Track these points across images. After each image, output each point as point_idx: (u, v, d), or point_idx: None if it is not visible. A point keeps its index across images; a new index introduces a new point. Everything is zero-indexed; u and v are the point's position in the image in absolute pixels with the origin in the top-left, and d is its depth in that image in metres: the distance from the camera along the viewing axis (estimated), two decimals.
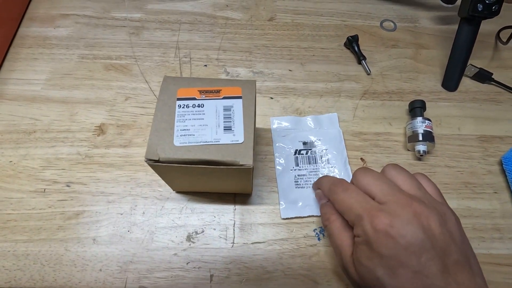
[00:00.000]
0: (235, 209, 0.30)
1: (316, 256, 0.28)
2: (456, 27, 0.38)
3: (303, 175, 0.32)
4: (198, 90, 0.24)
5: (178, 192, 0.31)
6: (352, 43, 0.40)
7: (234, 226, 0.30)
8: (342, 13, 0.44)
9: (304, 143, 0.33)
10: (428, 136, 0.32)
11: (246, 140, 0.22)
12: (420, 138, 0.32)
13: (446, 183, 0.32)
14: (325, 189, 0.25)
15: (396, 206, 0.19)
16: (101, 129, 0.34)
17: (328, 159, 0.32)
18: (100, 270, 0.27)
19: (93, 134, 0.34)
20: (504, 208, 0.31)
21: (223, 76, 0.38)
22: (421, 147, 0.32)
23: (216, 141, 0.22)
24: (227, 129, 0.23)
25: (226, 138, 0.22)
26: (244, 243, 0.29)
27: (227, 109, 0.23)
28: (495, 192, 0.32)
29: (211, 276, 0.27)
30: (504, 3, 0.45)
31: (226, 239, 0.29)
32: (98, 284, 0.27)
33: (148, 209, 0.30)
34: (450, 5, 0.43)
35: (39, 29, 0.41)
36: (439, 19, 0.44)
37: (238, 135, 0.23)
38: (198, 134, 0.22)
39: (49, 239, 0.28)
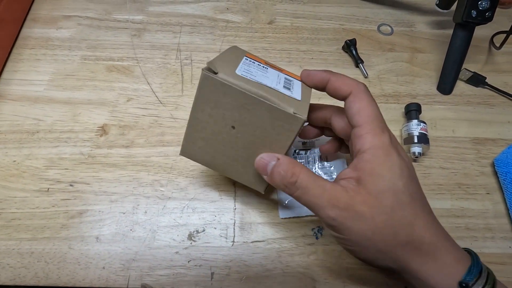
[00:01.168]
0: (235, 209, 0.31)
1: (314, 254, 0.29)
2: (451, 32, 0.39)
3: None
4: (265, 61, 0.25)
5: (185, 156, 0.25)
6: (350, 46, 0.41)
7: (234, 225, 0.30)
8: (340, 17, 0.45)
9: (304, 143, 0.34)
10: (423, 139, 0.33)
11: (303, 99, 0.22)
12: (415, 140, 0.33)
13: (440, 184, 0.33)
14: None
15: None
16: (103, 130, 0.35)
17: (326, 160, 0.33)
18: (103, 268, 0.28)
19: (95, 135, 0.34)
20: (496, 208, 0.32)
21: None
22: (416, 149, 0.33)
23: (275, 88, 0.22)
24: (286, 87, 0.22)
25: (284, 91, 0.22)
26: (244, 242, 0.30)
27: (287, 79, 0.24)
28: (488, 193, 0.33)
29: (212, 273, 0.28)
30: (497, 9, 0.46)
31: (226, 238, 0.30)
32: (101, 281, 0.27)
33: (150, 208, 0.31)
34: (445, 11, 0.44)
35: (42, 31, 0.41)
36: (434, 24, 0.45)
37: (296, 95, 0.22)
38: (260, 79, 0.22)
39: (53, 237, 0.29)
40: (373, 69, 0.41)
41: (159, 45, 0.41)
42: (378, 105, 0.37)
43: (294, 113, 0.20)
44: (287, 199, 0.31)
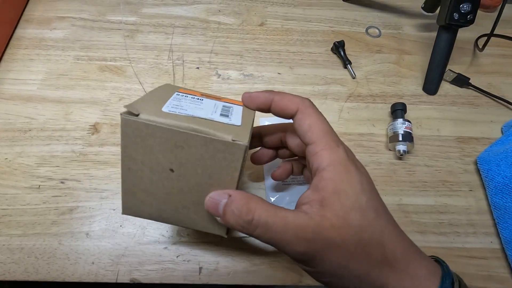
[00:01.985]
0: None
1: None
2: (436, 34, 0.40)
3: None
4: (200, 93, 0.24)
5: (128, 214, 0.22)
6: (338, 48, 0.42)
7: None
8: (329, 20, 0.46)
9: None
10: (408, 137, 0.34)
11: (244, 124, 0.20)
12: (400, 139, 0.34)
13: (425, 181, 0.34)
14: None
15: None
16: (95, 128, 0.35)
17: None
18: (93, 263, 0.28)
19: (87, 133, 0.35)
20: (479, 205, 0.33)
21: (215, 79, 0.40)
22: (401, 147, 0.34)
23: (209, 118, 0.19)
24: (224, 115, 0.20)
25: (221, 119, 0.20)
26: (232, 237, 0.30)
27: (226, 107, 0.22)
28: (471, 190, 0.34)
29: (200, 268, 0.29)
30: (482, 12, 0.48)
31: (215, 234, 0.30)
32: (91, 276, 0.28)
33: None
34: (430, 14, 0.45)
35: (36, 31, 0.42)
36: (421, 27, 0.46)
37: (235, 120, 0.20)
38: (191, 111, 0.20)
39: (43, 233, 0.29)
40: (361, 70, 0.42)
41: (152, 45, 0.42)
42: (366, 105, 0.39)
43: (233, 140, 0.18)
44: (274, 196, 0.32)
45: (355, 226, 0.17)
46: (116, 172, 0.33)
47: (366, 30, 0.46)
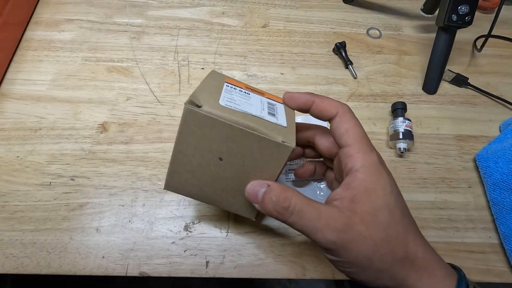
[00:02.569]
0: None
1: (304, 244, 0.31)
2: (435, 34, 0.41)
3: (293, 169, 0.34)
4: (246, 85, 0.25)
5: (169, 190, 0.24)
6: (340, 49, 0.43)
7: (228, 217, 0.32)
8: (331, 21, 0.47)
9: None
10: (408, 135, 0.35)
11: (289, 125, 0.22)
12: (401, 137, 0.35)
13: (425, 178, 0.35)
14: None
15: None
16: (103, 127, 0.36)
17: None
18: (103, 257, 0.29)
19: (96, 132, 0.36)
20: (477, 201, 0.34)
21: None
22: (401, 145, 0.35)
23: (260, 116, 0.21)
24: (271, 114, 0.22)
25: (270, 119, 0.22)
26: (238, 232, 0.31)
27: (270, 104, 0.24)
28: (470, 187, 0.35)
29: (207, 262, 0.29)
30: (479, 14, 0.49)
31: (221, 229, 0.31)
32: (101, 270, 0.29)
33: (148, 201, 0.32)
34: (430, 15, 0.46)
35: (45, 33, 0.43)
36: (420, 28, 0.47)
37: (281, 121, 0.22)
38: (244, 107, 0.21)
39: (55, 228, 0.30)
40: (362, 70, 0.43)
41: (158, 47, 0.43)
42: (367, 104, 0.40)
43: (283, 142, 0.20)
44: None
45: (383, 223, 0.19)
46: (124, 169, 0.34)
47: (367, 32, 0.47)
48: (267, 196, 0.20)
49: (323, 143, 0.25)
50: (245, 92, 0.24)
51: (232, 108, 0.21)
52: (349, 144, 0.21)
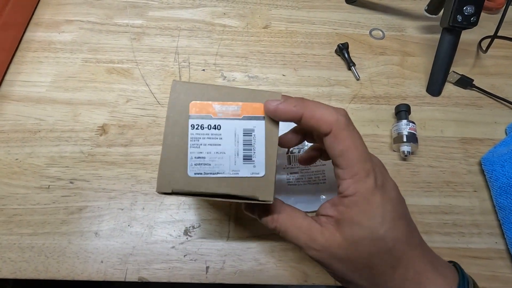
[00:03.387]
0: (230, 205, 0.32)
1: None
2: (439, 36, 0.40)
3: (295, 173, 0.33)
4: (212, 104, 0.21)
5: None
6: (342, 50, 0.42)
7: (229, 221, 0.31)
8: (333, 22, 0.47)
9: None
10: (412, 138, 0.34)
11: (267, 172, 0.20)
12: (405, 140, 0.34)
13: (429, 182, 0.34)
14: None
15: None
16: (103, 129, 0.36)
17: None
18: (102, 261, 0.29)
19: (95, 134, 0.35)
20: (483, 205, 0.33)
21: (220, 81, 0.40)
22: (405, 148, 0.34)
23: (234, 174, 0.20)
24: (247, 159, 0.21)
25: (245, 170, 0.20)
26: (238, 237, 0.30)
27: (247, 133, 0.21)
28: (475, 191, 0.34)
29: (207, 267, 0.29)
30: (485, 14, 0.48)
31: (221, 233, 0.31)
32: (100, 275, 0.28)
33: (147, 205, 0.32)
34: (434, 16, 0.45)
35: (45, 34, 0.43)
36: (424, 29, 0.47)
37: (259, 167, 0.21)
38: (215, 164, 0.20)
39: (53, 232, 0.30)
40: (365, 71, 0.42)
41: (158, 48, 0.43)
42: (370, 106, 0.39)
43: (261, 201, 0.20)
44: (279, 196, 0.32)
45: (363, 252, 0.19)
46: (123, 172, 0.33)
47: (370, 32, 0.46)
48: (260, 216, 0.23)
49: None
50: (215, 127, 0.21)
51: (202, 176, 0.20)
52: (343, 167, 0.19)
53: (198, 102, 0.21)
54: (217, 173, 0.20)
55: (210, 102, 0.21)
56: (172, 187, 0.20)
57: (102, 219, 0.31)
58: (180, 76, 0.40)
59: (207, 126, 0.21)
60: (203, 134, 0.20)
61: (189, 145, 0.20)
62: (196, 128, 0.20)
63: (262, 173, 0.21)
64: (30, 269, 0.28)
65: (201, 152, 0.20)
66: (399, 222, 0.19)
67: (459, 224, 0.32)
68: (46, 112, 0.37)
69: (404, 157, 0.35)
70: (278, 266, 0.29)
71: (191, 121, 0.20)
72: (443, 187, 0.34)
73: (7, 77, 0.39)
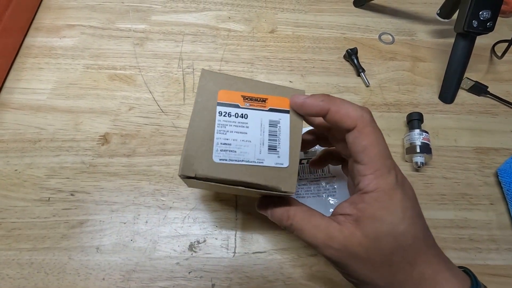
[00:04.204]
0: (236, 219, 0.31)
1: (316, 265, 0.29)
2: (452, 40, 0.39)
3: (304, 184, 0.32)
4: (242, 96, 0.21)
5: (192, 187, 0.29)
6: (351, 55, 0.41)
7: (235, 236, 0.30)
8: (341, 26, 0.45)
9: (305, 153, 0.34)
10: (426, 148, 0.33)
11: (291, 164, 0.21)
12: (418, 150, 0.33)
13: (443, 194, 0.33)
14: None
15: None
16: (105, 139, 0.35)
17: (328, 169, 0.33)
18: (103, 279, 0.28)
19: (97, 144, 0.34)
20: (500, 219, 0.32)
21: None
22: (419, 159, 0.33)
23: (259, 162, 0.20)
24: (272, 149, 0.21)
25: (270, 160, 0.20)
26: (245, 253, 0.29)
27: (273, 124, 0.21)
28: (491, 204, 0.33)
29: (213, 285, 0.28)
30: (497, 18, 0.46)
31: (227, 249, 0.29)
32: None
33: (151, 218, 0.31)
34: (446, 20, 0.44)
35: (45, 39, 0.42)
36: (435, 33, 0.45)
37: (283, 158, 0.21)
38: (240, 151, 0.20)
39: (53, 247, 0.29)
40: (374, 78, 0.41)
41: (161, 54, 0.41)
42: (380, 114, 0.38)
43: (283, 192, 0.20)
44: None
45: (384, 249, 0.18)
46: (126, 184, 0.32)
47: (379, 37, 0.45)
48: (274, 214, 0.22)
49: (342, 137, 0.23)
50: (242, 116, 0.21)
51: (227, 162, 0.20)
52: (365, 163, 0.19)
53: (226, 90, 0.21)
54: (242, 160, 0.20)
55: (238, 91, 0.21)
56: (195, 171, 0.19)
57: (104, 234, 0.30)
58: (184, 83, 0.39)
59: (234, 114, 0.21)
60: (230, 121, 0.20)
61: (216, 131, 0.20)
62: (224, 115, 0.20)
63: (286, 164, 0.21)
64: (29, 287, 0.27)
65: (227, 139, 0.20)
66: (418, 220, 0.20)
67: (475, 239, 0.31)
68: (46, 120, 0.36)
69: (417, 168, 0.33)
70: (287, 284, 0.28)
71: (219, 108, 0.20)
72: (458, 200, 0.33)
73: (6, 84, 0.38)
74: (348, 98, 0.39)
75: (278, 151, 0.21)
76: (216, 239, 0.30)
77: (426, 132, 0.34)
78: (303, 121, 0.22)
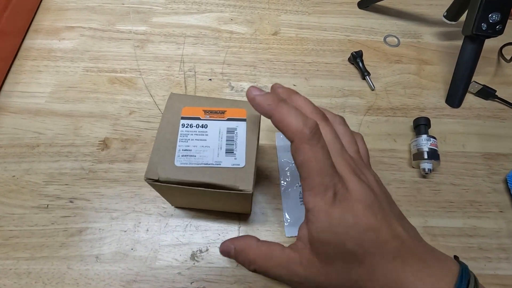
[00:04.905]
0: (239, 227, 0.30)
1: None
2: (459, 43, 0.38)
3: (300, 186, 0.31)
4: (203, 110, 0.24)
5: (177, 207, 0.31)
6: (356, 58, 0.40)
7: None
8: (345, 28, 0.45)
9: None
10: (434, 155, 0.32)
11: (247, 165, 0.22)
12: (426, 157, 0.32)
13: (451, 201, 0.32)
14: None
15: (344, 173, 0.19)
16: (105, 144, 0.34)
17: None
18: None
19: (97, 149, 0.34)
20: (510, 227, 0.31)
21: (228, 91, 0.38)
22: (426, 165, 0.32)
23: (217, 164, 0.22)
24: (229, 152, 0.23)
25: (227, 161, 0.22)
26: None
27: (230, 131, 0.23)
28: (501, 211, 0.32)
29: None
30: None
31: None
32: None
33: (152, 226, 0.30)
34: (453, 22, 0.43)
35: (44, 42, 0.41)
36: (442, 35, 0.45)
37: (240, 159, 0.22)
38: (200, 156, 0.22)
39: (52, 256, 0.28)
40: (380, 81, 0.40)
41: (162, 56, 0.41)
42: (386, 118, 0.37)
43: (241, 191, 0.22)
44: (292, 216, 0.30)
45: (342, 272, 0.18)
46: (126, 190, 0.31)
47: (384, 39, 0.44)
48: (237, 257, 0.21)
49: None
50: (202, 126, 0.23)
51: (188, 165, 0.22)
52: (302, 179, 0.19)
53: (190, 107, 0.24)
54: (201, 163, 0.22)
55: (200, 107, 0.24)
56: (159, 174, 0.21)
57: (103, 242, 0.29)
58: (185, 87, 0.38)
59: (195, 125, 0.23)
60: (192, 131, 0.23)
61: (178, 140, 0.23)
62: (186, 127, 0.23)
63: (242, 164, 0.22)
64: None
65: (188, 146, 0.23)
66: (367, 234, 0.18)
67: (485, 248, 0.30)
68: (45, 125, 0.35)
69: (425, 174, 0.33)
70: None
71: (182, 121, 0.23)
72: (466, 207, 0.32)
73: (4, 88, 0.37)
74: (353, 102, 0.38)
75: (235, 154, 0.22)
76: (219, 248, 0.29)
77: (434, 137, 0.33)
78: (260, 128, 0.24)
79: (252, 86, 0.20)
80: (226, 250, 0.22)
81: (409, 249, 0.18)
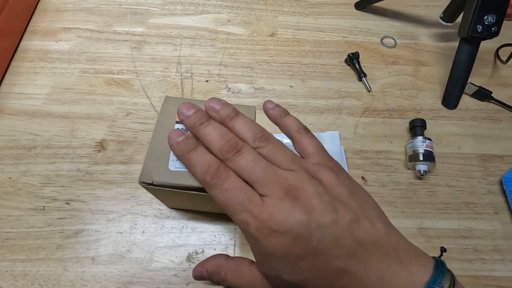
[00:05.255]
0: (235, 229, 0.30)
1: None
2: (455, 44, 0.38)
3: None
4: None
5: (173, 209, 0.31)
6: (353, 60, 0.40)
7: (234, 246, 0.29)
8: (342, 29, 0.45)
9: None
10: (429, 156, 0.32)
11: None
12: (421, 158, 0.32)
13: (447, 203, 0.32)
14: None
15: (274, 195, 0.18)
16: (101, 145, 0.34)
17: None
18: None
19: (93, 150, 0.34)
20: (505, 229, 0.31)
21: (225, 92, 0.38)
22: (422, 167, 0.32)
23: None
24: None
25: None
26: None
27: None
28: (496, 213, 0.32)
29: None
30: None
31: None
32: None
33: (148, 228, 0.30)
34: (449, 23, 0.43)
35: (41, 43, 0.41)
36: (438, 36, 0.45)
37: None
38: None
39: (48, 258, 0.28)
40: (376, 82, 0.40)
41: (159, 57, 0.41)
42: (382, 120, 0.37)
43: None
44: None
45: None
46: (122, 192, 0.31)
47: (381, 40, 0.44)
48: (211, 278, 0.22)
49: None
50: None
51: (181, 170, 0.22)
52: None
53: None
54: None
55: None
56: (153, 178, 0.21)
57: (99, 244, 0.29)
58: (182, 88, 0.38)
59: (188, 134, 0.23)
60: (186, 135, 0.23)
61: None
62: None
63: None
64: None
65: None
66: (301, 265, 0.17)
67: (480, 249, 0.30)
68: (41, 126, 0.35)
69: (420, 176, 0.33)
70: None
71: (176, 125, 0.23)
72: (461, 209, 0.32)
73: (1, 89, 0.37)
74: (350, 104, 0.38)
75: None
76: (215, 249, 0.29)
77: (429, 139, 0.33)
78: None
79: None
80: (199, 274, 0.22)
81: (377, 251, 0.17)
